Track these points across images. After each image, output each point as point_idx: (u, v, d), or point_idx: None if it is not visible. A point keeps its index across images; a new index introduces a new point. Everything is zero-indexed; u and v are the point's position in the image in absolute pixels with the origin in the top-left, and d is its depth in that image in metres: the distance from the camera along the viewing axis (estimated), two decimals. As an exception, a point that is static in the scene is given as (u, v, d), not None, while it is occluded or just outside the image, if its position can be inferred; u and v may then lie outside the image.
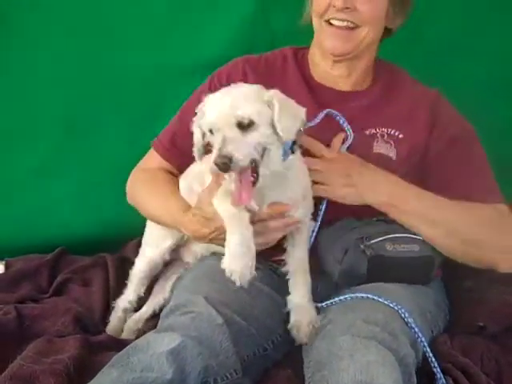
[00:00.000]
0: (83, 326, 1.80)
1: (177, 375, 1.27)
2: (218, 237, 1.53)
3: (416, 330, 1.44)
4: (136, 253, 1.96)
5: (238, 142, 1.34)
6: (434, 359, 1.45)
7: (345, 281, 1.61)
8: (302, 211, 1.56)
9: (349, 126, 1.68)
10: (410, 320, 1.44)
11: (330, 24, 1.69)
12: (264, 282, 1.63)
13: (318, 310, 1.56)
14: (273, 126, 1.40)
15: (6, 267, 2.15)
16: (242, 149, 1.33)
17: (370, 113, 1.76)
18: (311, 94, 1.78)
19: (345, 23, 1.67)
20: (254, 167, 1.38)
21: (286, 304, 1.58)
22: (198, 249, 1.81)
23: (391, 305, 1.45)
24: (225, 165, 1.31)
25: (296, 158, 1.54)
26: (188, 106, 1.84)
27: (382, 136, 1.73)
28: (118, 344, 1.64)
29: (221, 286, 1.54)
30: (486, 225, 1.65)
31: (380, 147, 1.72)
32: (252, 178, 1.39)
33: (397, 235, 1.59)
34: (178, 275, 1.85)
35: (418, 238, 1.61)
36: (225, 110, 1.37)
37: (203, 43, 2.17)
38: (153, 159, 1.90)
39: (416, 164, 1.74)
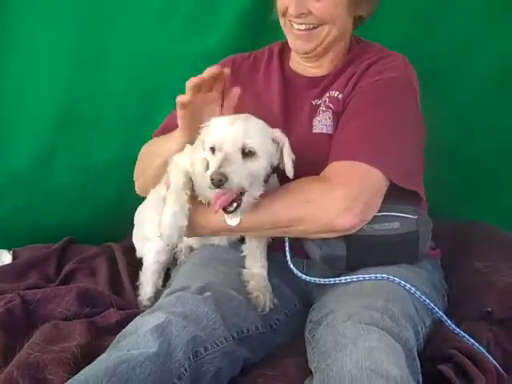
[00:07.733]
0: (88, 300, 1.79)
1: (162, 349, 1.29)
2: None
3: (428, 301, 1.50)
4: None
5: (237, 165, 1.39)
6: (449, 322, 1.53)
7: (327, 265, 1.60)
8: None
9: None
10: (418, 293, 1.49)
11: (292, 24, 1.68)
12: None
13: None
14: (268, 162, 1.46)
15: (14, 257, 2.17)
16: (240, 172, 1.38)
17: (325, 85, 1.74)
18: (284, 82, 1.79)
19: (303, 26, 1.66)
20: (239, 194, 1.42)
21: (273, 286, 1.61)
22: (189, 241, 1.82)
23: (404, 284, 1.49)
24: (220, 182, 1.35)
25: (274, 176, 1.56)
26: None
27: (325, 102, 1.69)
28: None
29: (219, 271, 1.58)
30: (302, 198, 1.50)
31: (319, 123, 1.68)
32: (234, 204, 1.42)
33: (375, 214, 1.53)
34: None
35: (399, 214, 1.56)
36: (235, 134, 1.42)
37: (203, 31, 2.13)
38: None
39: None
